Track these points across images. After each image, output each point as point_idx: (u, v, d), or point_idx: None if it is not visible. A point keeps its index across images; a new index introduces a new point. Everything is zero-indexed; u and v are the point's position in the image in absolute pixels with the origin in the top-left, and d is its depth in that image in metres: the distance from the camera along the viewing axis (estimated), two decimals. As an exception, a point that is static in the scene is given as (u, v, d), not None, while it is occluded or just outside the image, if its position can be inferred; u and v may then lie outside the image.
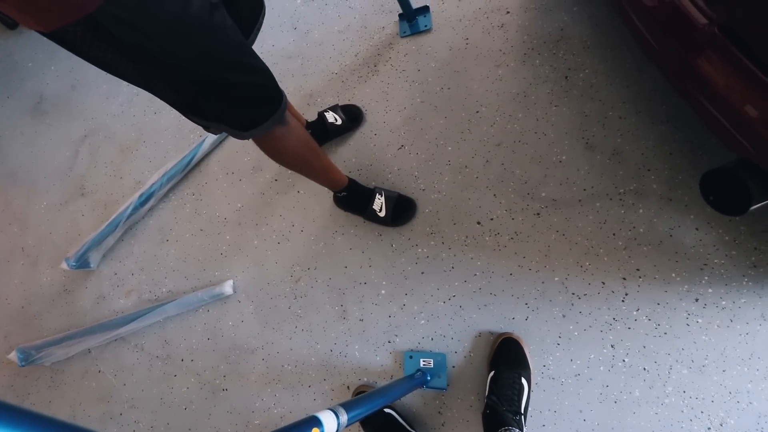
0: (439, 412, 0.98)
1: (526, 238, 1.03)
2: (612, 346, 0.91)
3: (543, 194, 1.06)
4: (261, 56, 0.70)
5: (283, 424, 0.46)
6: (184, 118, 0.71)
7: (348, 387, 1.06)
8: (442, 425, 0.97)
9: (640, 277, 0.93)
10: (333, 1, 1.48)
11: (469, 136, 1.17)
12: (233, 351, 1.21)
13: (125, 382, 1.30)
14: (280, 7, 1.54)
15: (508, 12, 1.25)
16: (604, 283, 0.95)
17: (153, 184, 1.42)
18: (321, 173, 1.00)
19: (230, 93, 0.65)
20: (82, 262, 1.45)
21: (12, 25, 2.19)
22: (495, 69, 1.20)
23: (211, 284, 1.29)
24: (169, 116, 1.58)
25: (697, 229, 0.93)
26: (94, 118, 1.73)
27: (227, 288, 1.25)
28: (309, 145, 0.89)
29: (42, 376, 1.42)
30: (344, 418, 0.52)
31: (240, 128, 0.72)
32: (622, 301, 0.93)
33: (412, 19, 1.32)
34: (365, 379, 1.06)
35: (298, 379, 1.11)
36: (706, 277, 0.90)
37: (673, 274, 0.92)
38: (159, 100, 0.66)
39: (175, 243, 1.40)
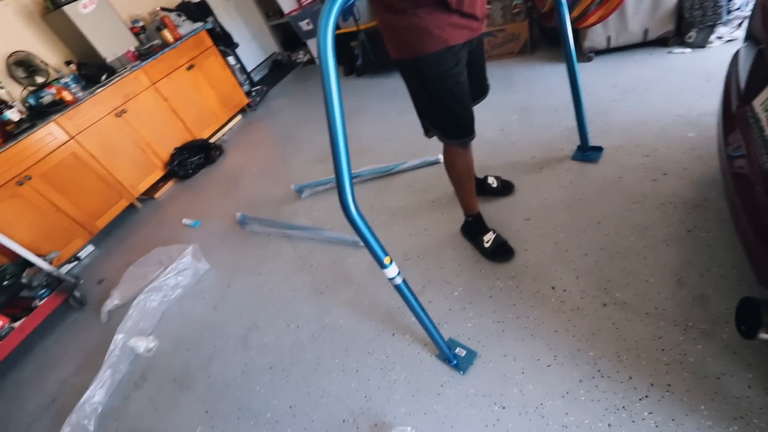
0: (441, 385, 1.21)
1: (584, 315, 1.23)
2: (609, 425, 1.00)
3: (617, 294, 1.24)
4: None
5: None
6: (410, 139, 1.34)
7: (395, 334, 1.40)
8: (438, 395, 1.20)
9: (667, 391, 1.01)
10: (538, 123, 2.06)
11: (582, 234, 1.46)
12: (346, 277, 1.72)
13: (274, 260, 1.97)
14: (499, 115, 2.21)
15: (665, 174, 1.54)
16: (631, 378, 1.06)
17: (365, 169, 2.18)
18: (466, 194, 1.48)
19: (451, 116, 1.24)
20: (299, 190, 2.30)
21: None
22: (631, 203, 1.49)
23: (352, 237, 1.86)
24: (400, 141, 2.39)
25: (749, 387, 0.96)
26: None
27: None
28: (469, 171, 1.41)
29: (252, 236, 2.25)
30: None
31: (445, 135, 1.30)
32: (640, 399, 1.02)
33: (585, 151, 1.75)
34: (410, 336, 1.38)
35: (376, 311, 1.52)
36: (735, 427, 0.92)
37: (702, 407, 0.96)
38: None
39: (352, 207, 2.08)
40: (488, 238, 1.51)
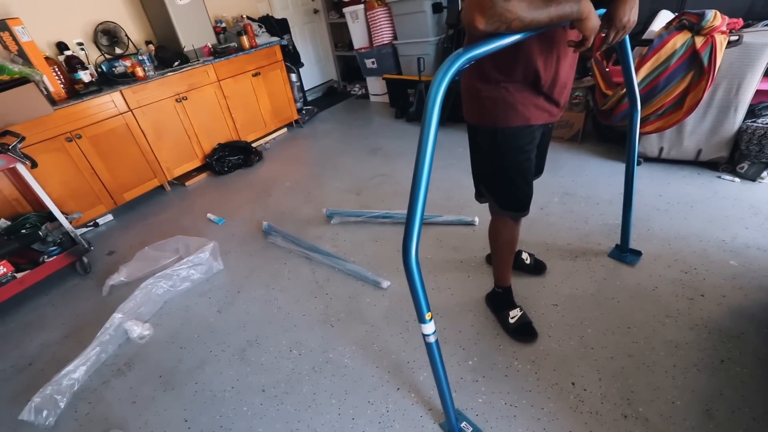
0: (441, 460, 1.14)
1: (602, 422, 1.16)
2: None
3: (640, 409, 1.18)
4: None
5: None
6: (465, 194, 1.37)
7: (401, 389, 1.34)
8: (435, 470, 1.12)
9: None
10: (578, 211, 2.08)
11: (611, 336, 1.42)
12: (360, 316, 1.68)
13: (290, 278, 1.94)
14: (541, 194, 2.24)
15: (702, 295, 1.52)
16: (647, 508, 0.98)
17: (400, 212, 2.20)
18: (504, 264, 1.47)
19: (514, 188, 1.26)
20: (330, 215, 2.31)
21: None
22: (664, 317, 1.46)
23: (374, 275, 1.84)
24: (438, 194, 2.42)
25: None
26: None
27: (384, 283, 1.78)
28: (513, 244, 1.41)
29: (274, 248, 2.24)
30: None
31: (501, 206, 1.31)
32: None
33: (624, 251, 1.74)
34: (416, 396, 1.32)
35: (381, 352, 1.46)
36: None
37: None
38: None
39: (375, 242, 2.07)
40: (514, 314, 1.48)
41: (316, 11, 4.77)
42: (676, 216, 1.95)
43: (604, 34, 1.04)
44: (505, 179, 1.25)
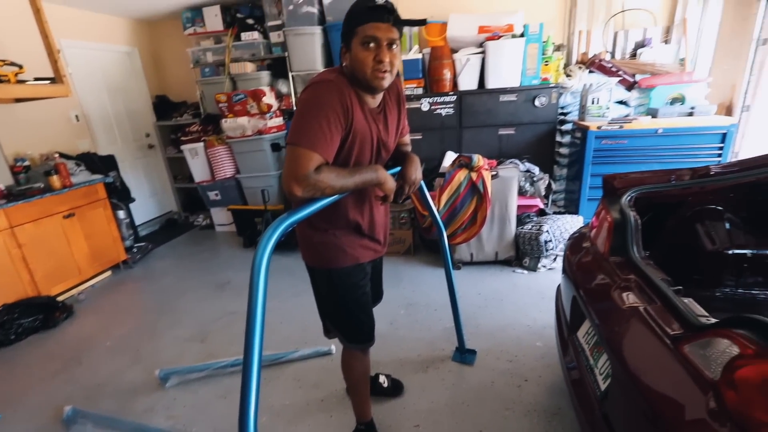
0: None
1: None
2: None
3: None
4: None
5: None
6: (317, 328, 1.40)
7: None
8: None
9: None
10: (422, 320, 2.29)
11: (467, 444, 1.49)
12: None
13: None
14: (389, 309, 2.41)
15: (526, 380, 1.78)
16: None
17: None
18: (361, 399, 1.47)
19: (356, 322, 1.34)
20: (164, 376, 1.95)
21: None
22: (504, 410, 1.64)
23: (227, 443, 1.57)
24: (294, 325, 2.33)
25: None
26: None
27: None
28: (366, 376, 1.45)
29: None
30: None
31: (347, 339, 1.36)
32: None
33: (462, 353, 1.96)
34: None
35: None
36: None
37: None
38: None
39: (224, 400, 1.81)
40: (379, 451, 1.43)
41: (151, 146, 4.64)
42: (493, 310, 2.34)
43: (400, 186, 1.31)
44: (346, 314, 1.32)
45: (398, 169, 1.31)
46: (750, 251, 1.58)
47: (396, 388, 1.76)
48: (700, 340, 0.87)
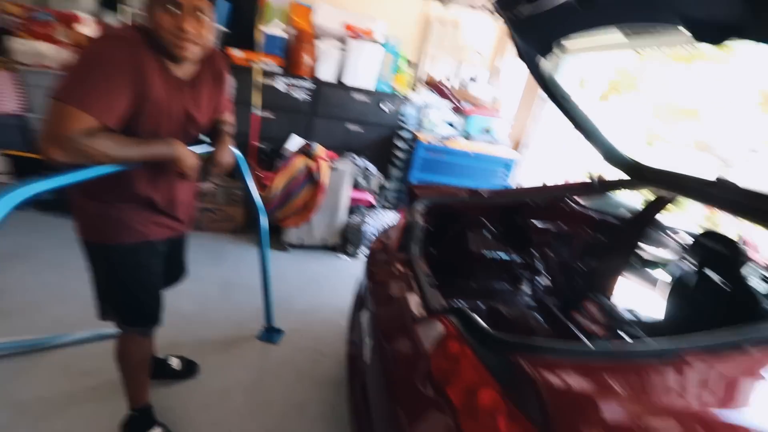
0: None
1: None
2: None
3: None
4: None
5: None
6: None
7: None
8: None
9: None
10: (236, 300, 2.26)
11: (253, 419, 1.56)
12: None
13: None
14: (202, 288, 2.28)
15: (323, 355, 1.97)
16: None
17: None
18: (138, 383, 1.36)
19: (133, 303, 1.22)
20: None
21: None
22: (296, 383, 1.77)
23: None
24: (78, 304, 1.97)
25: None
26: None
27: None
28: (145, 362, 1.35)
29: None
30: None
31: (125, 322, 1.23)
32: None
33: (270, 332, 2.02)
34: None
35: None
36: None
37: None
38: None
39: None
40: (156, 433, 1.37)
41: None
42: (312, 292, 2.48)
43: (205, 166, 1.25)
44: (126, 295, 1.20)
45: (212, 149, 1.27)
46: (493, 253, 2.10)
47: (190, 370, 1.70)
48: (428, 322, 1.13)
